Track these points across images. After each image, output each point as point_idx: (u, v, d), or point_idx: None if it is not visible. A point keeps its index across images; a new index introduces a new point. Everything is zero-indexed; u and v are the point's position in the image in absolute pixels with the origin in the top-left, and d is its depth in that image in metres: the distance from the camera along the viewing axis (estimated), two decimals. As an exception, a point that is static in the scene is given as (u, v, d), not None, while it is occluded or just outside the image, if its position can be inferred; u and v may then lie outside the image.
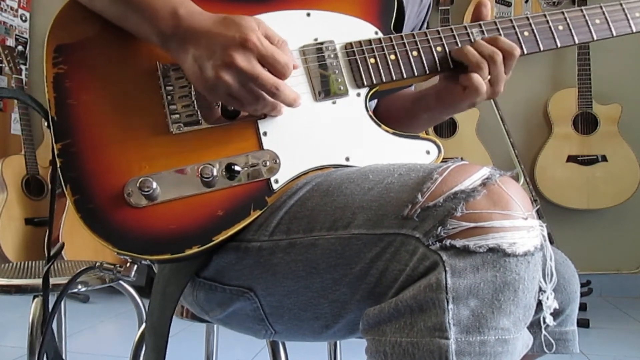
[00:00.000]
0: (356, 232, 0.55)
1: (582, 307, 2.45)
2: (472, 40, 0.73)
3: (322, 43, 0.71)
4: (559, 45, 0.76)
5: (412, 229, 0.51)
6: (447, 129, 2.75)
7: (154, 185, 0.61)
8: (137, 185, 0.61)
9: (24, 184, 2.74)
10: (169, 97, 0.66)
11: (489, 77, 0.71)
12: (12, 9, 3.14)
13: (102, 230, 0.61)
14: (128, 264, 0.66)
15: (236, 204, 0.63)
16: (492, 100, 2.49)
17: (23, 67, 3.10)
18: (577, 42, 0.77)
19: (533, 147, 2.79)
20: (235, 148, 0.65)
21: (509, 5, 2.76)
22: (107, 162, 0.63)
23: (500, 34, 0.74)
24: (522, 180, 2.40)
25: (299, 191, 0.62)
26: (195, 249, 0.61)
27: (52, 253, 0.78)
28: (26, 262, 1.37)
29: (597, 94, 2.66)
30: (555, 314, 0.74)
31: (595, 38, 0.77)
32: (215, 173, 0.62)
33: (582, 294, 2.47)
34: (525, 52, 0.75)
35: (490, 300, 0.47)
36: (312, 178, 0.64)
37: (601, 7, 0.78)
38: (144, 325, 0.97)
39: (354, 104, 0.70)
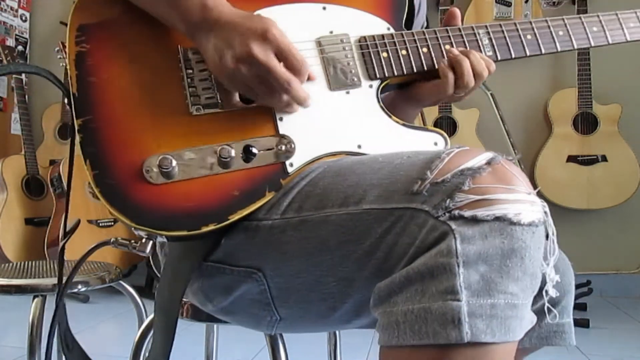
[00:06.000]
0: (367, 207, 0.56)
1: (582, 307, 2.45)
2: (479, 40, 0.78)
3: (337, 35, 0.74)
4: (559, 49, 0.81)
5: (421, 202, 0.53)
6: (447, 129, 2.75)
7: (174, 163, 0.62)
8: (157, 162, 0.62)
9: (24, 184, 2.74)
10: (189, 79, 0.68)
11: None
12: (12, 9, 3.14)
13: (120, 205, 0.62)
14: (144, 240, 0.66)
15: (252, 185, 0.65)
16: (492, 100, 2.49)
17: (23, 67, 3.10)
18: (575, 47, 0.82)
19: (533, 147, 2.79)
20: (252, 131, 0.67)
21: (509, 5, 2.76)
22: (127, 139, 0.64)
23: (504, 36, 0.79)
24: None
25: (311, 173, 0.64)
26: (211, 227, 0.62)
27: (67, 230, 0.78)
28: (26, 262, 1.37)
29: (597, 94, 2.66)
30: (552, 306, 0.75)
31: (592, 44, 0.83)
32: (233, 154, 0.64)
33: (582, 294, 2.47)
34: (528, 53, 0.80)
35: (499, 266, 0.49)
36: (324, 162, 0.66)
37: (598, 16, 0.83)
38: (144, 325, 0.97)
39: (366, 94, 0.73)
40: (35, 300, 1.14)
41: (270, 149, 0.67)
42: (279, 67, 0.63)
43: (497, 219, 0.49)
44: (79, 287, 1.19)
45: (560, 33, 0.81)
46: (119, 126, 0.65)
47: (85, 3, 0.70)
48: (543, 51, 0.80)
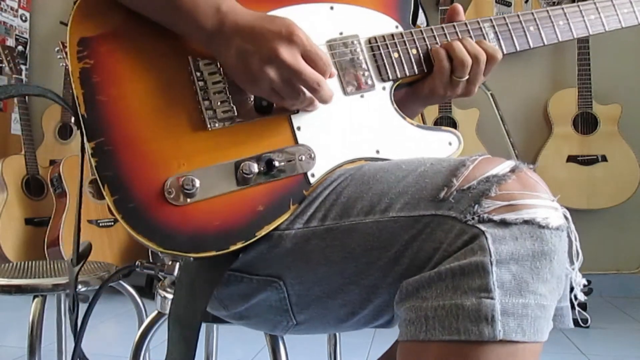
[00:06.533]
0: (394, 215, 0.57)
1: (582, 307, 2.45)
2: (485, 34, 0.77)
3: (347, 37, 0.72)
4: (560, 39, 0.80)
5: (447, 209, 0.53)
6: (447, 129, 2.75)
7: (197, 183, 0.61)
8: (180, 183, 0.61)
9: (24, 184, 2.74)
10: (203, 92, 0.65)
11: (467, 76, 0.74)
12: (12, 9, 3.14)
13: (145, 229, 0.60)
14: (170, 262, 0.65)
15: (276, 198, 0.64)
16: (492, 100, 2.49)
17: (23, 67, 3.11)
18: (575, 36, 0.82)
19: (533, 147, 2.79)
20: (270, 143, 0.66)
21: (509, 5, 2.76)
22: (145, 160, 0.62)
23: (509, 29, 0.78)
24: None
25: (334, 182, 0.64)
26: (239, 245, 0.61)
27: (80, 251, 0.77)
28: (26, 262, 1.37)
29: (597, 94, 2.66)
30: None
31: (590, 33, 0.82)
32: (255, 169, 0.63)
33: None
34: (532, 45, 0.79)
35: (530, 267, 0.49)
36: (345, 171, 0.65)
37: (595, 3, 0.82)
38: (144, 325, 0.97)
39: (380, 97, 0.72)
40: (35, 300, 1.14)
41: (291, 160, 0.65)
42: (309, 69, 0.62)
43: (526, 222, 0.50)
44: (79, 287, 1.19)
45: (561, 23, 0.80)
46: (135, 147, 0.62)
47: (83, 14, 0.66)
48: (546, 42, 0.80)
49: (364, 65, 0.72)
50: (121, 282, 1.27)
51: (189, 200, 0.61)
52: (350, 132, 0.69)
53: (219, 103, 0.65)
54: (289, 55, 0.61)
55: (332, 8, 0.73)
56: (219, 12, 0.63)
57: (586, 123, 2.67)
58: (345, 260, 0.59)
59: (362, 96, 0.71)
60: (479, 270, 0.48)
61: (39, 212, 2.76)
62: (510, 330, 0.47)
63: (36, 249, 2.67)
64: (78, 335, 0.80)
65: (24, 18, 3.22)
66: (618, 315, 2.48)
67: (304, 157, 0.66)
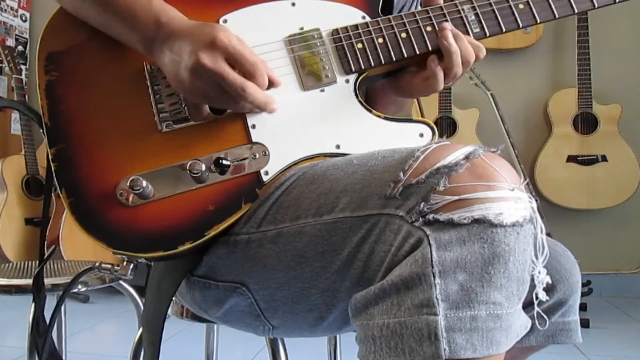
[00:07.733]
0: (341, 215, 0.54)
1: (582, 307, 2.45)
2: (464, 17, 0.72)
3: (308, 31, 0.71)
4: (557, 16, 0.74)
5: (395, 207, 0.50)
6: (447, 129, 2.75)
7: (144, 184, 0.62)
8: (128, 184, 0.62)
9: (24, 184, 2.74)
10: (157, 96, 0.67)
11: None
12: (12, 9, 3.14)
13: (96, 230, 0.62)
14: (125, 263, 0.67)
15: (227, 198, 0.64)
16: (492, 100, 2.49)
17: (23, 67, 3.10)
18: (576, 11, 0.74)
19: (533, 147, 2.79)
20: (224, 142, 0.66)
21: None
22: (100, 164, 0.65)
23: (493, 9, 0.72)
24: (521, 179, 2.39)
25: (286, 182, 0.62)
26: (188, 245, 0.62)
27: (44, 257, 0.79)
28: (26, 262, 1.37)
29: (597, 94, 2.66)
30: (559, 305, 0.74)
31: (596, 5, 0.74)
32: (204, 168, 0.63)
33: (582, 294, 2.47)
34: (521, 25, 0.73)
35: (480, 274, 0.45)
36: (299, 169, 0.64)
37: None
38: (144, 325, 0.97)
39: (342, 91, 0.70)
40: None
41: (244, 159, 0.65)
42: (231, 74, 0.60)
43: (476, 221, 0.45)
44: (79, 287, 1.19)
45: None
46: (92, 152, 0.65)
47: (52, 31, 0.71)
48: (539, 20, 0.73)
49: (324, 59, 0.70)
50: (121, 282, 1.27)
51: (141, 201, 0.63)
52: (308, 127, 0.67)
53: (171, 105, 0.67)
54: (210, 60, 0.60)
55: (293, 4, 0.72)
56: (158, 24, 0.64)
57: (586, 123, 2.67)
58: (300, 264, 0.57)
59: (322, 90, 0.69)
60: (421, 283, 0.44)
61: (39, 212, 2.76)
62: (458, 347, 0.43)
63: (36, 249, 2.67)
64: (46, 335, 0.81)
65: (24, 18, 3.22)
66: (618, 315, 2.48)
67: (257, 155, 0.65)
